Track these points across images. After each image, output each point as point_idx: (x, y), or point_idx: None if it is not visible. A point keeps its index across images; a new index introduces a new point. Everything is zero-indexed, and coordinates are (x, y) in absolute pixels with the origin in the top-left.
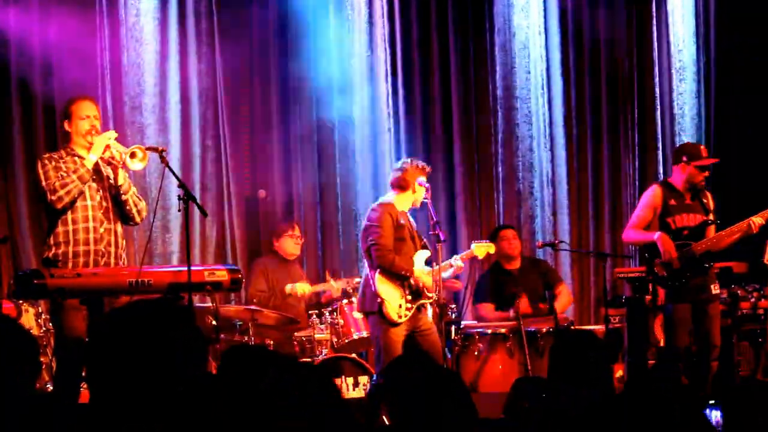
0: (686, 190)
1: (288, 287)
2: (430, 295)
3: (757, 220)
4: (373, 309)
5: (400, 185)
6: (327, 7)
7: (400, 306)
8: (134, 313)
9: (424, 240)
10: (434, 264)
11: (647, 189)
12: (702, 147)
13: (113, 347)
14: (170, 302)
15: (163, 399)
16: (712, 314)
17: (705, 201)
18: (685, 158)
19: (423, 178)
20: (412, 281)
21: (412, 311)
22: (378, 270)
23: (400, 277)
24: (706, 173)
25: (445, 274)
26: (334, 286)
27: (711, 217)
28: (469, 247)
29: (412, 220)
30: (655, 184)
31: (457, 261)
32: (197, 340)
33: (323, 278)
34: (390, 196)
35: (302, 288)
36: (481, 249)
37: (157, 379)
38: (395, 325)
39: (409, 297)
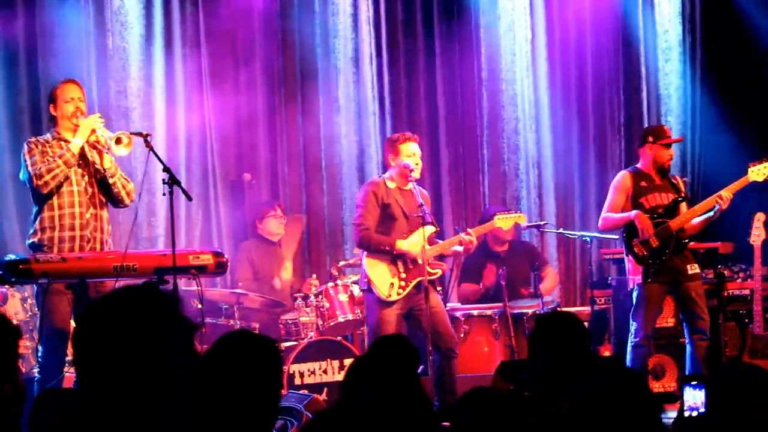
0: (655, 172)
1: (276, 282)
2: (432, 271)
3: (725, 194)
4: (363, 287)
5: (385, 164)
6: None
7: (392, 285)
8: (122, 299)
9: (430, 218)
10: (430, 242)
11: (617, 175)
12: (665, 127)
13: (101, 334)
14: (157, 288)
15: (152, 384)
16: (693, 295)
17: (674, 182)
18: (651, 138)
19: (406, 145)
20: (407, 258)
21: (408, 289)
22: (359, 248)
23: (388, 254)
24: (672, 152)
25: (456, 248)
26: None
27: (682, 195)
28: (460, 230)
29: (420, 197)
30: (623, 170)
31: (468, 237)
32: (184, 326)
33: (310, 263)
34: (384, 174)
35: (286, 272)
36: (506, 221)
37: (145, 364)
38: (388, 304)
39: (404, 275)
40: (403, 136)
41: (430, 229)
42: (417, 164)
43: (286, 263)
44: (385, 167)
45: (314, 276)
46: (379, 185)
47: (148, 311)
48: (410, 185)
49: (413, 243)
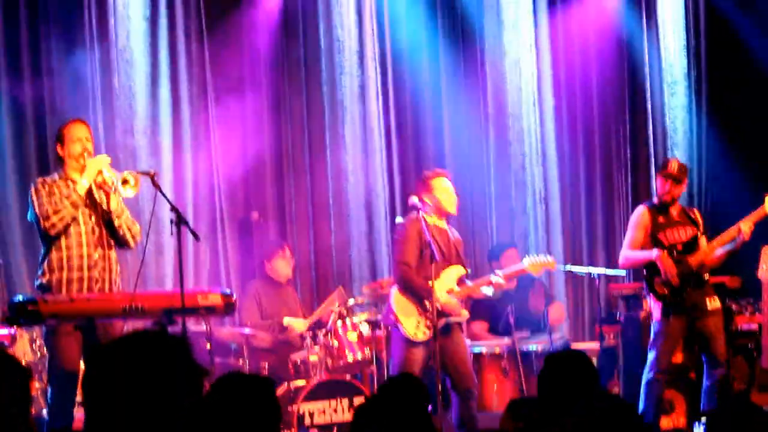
0: (671, 205)
1: (286, 321)
2: (454, 318)
3: (744, 225)
4: (388, 323)
5: (420, 202)
6: (318, 25)
7: (418, 324)
8: (132, 344)
9: (463, 258)
10: (458, 283)
11: (634, 211)
12: (671, 161)
13: (111, 378)
14: (166, 333)
15: (160, 429)
16: (714, 330)
17: (693, 216)
18: (660, 170)
19: (439, 180)
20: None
21: (434, 329)
22: (398, 285)
23: (423, 298)
24: (666, 186)
25: (486, 291)
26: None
27: (701, 229)
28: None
29: (453, 236)
30: (641, 205)
31: (498, 278)
32: (193, 372)
33: (318, 301)
34: (421, 213)
35: (299, 326)
36: (537, 266)
37: (154, 409)
38: (414, 344)
39: (430, 316)
40: (435, 173)
41: (460, 271)
42: (452, 199)
43: (303, 321)
44: (399, 210)
45: (337, 291)
46: (419, 222)
47: (157, 357)
48: (444, 223)
49: (447, 299)
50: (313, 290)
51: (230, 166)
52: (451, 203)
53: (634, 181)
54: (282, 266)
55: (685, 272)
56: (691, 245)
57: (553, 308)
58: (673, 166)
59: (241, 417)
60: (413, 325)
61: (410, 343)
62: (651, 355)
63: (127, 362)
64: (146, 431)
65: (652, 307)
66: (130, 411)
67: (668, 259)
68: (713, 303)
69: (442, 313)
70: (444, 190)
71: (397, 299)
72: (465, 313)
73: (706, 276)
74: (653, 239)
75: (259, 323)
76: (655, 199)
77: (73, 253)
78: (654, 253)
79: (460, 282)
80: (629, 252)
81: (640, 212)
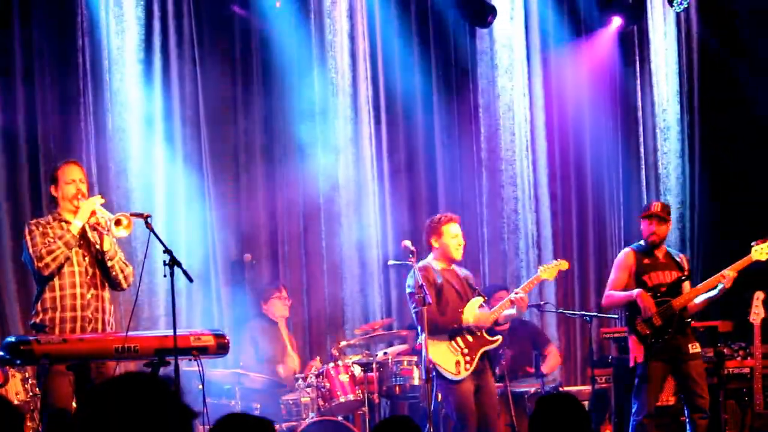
0: (658, 246)
1: (281, 369)
2: (492, 339)
3: (728, 273)
4: (430, 371)
5: (428, 245)
6: (311, 70)
7: (458, 363)
8: (122, 386)
9: (477, 289)
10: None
11: (620, 252)
12: (654, 203)
13: (100, 420)
14: (157, 376)
15: None
16: (694, 374)
17: (678, 260)
18: (640, 216)
19: (449, 227)
20: (464, 333)
21: (476, 363)
22: (426, 333)
23: (450, 332)
24: (652, 228)
25: (508, 312)
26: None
27: (685, 273)
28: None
29: (462, 272)
30: (627, 247)
31: (517, 294)
32: (183, 414)
33: (309, 348)
34: (428, 257)
35: (293, 362)
36: (551, 270)
37: None
38: (458, 381)
39: (466, 350)
40: (446, 217)
41: (479, 301)
42: (459, 245)
43: (294, 356)
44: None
45: (318, 359)
46: (428, 269)
47: (146, 399)
48: (452, 265)
49: (476, 314)
50: (305, 332)
51: (223, 208)
52: (458, 250)
53: (627, 226)
54: (278, 307)
55: (667, 314)
56: (675, 288)
57: (549, 354)
58: (656, 206)
59: None
60: (453, 365)
61: (456, 382)
62: (636, 402)
63: (116, 404)
64: None
65: (634, 350)
66: None
67: (648, 297)
68: (695, 348)
69: (478, 343)
70: (453, 236)
71: (430, 345)
72: (500, 337)
73: (689, 320)
74: (637, 281)
75: (254, 365)
76: (642, 242)
77: (66, 293)
78: (634, 292)
79: (482, 309)
80: (612, 292)
81: (626, 253)
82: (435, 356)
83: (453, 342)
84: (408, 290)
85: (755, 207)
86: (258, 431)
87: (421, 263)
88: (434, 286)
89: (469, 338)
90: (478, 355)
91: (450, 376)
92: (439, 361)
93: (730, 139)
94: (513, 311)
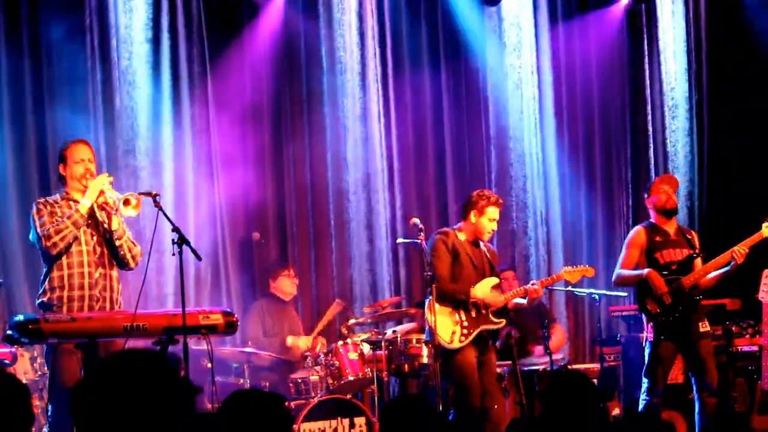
0: (667, 223)
1: (289, 340)
2: (495, 320)
3: (739, 250)
4: (428, 338)
5: (461, 214)
6: (320, 47)
7: (454, 332)
8: (122, 363)
9: (497, 270)
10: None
11: (631, 230)
12: (656, 178)
13: (98, 399)
14: (156, 351)
15: None
16: (703, 353)
17: (689, 237)
18: (645, 195)
19: (491, 209)
20: (471, 305)
21: (471, 338)
22: (435, 298)
23: (456, 302)
24: (665, 189)
25: (518, 300)
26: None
27: (697, 250)
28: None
29: (487, 250)
30: (638, 226)
31: (534, 285)
32: (184, 389)
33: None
34: (457, 225)
35: (303, 344)
36: (574, 274)
37: (145, 426)
38: (456, 350)
39: (466, 323)
40: (493, 199)
41: (494, 281)
42: (493, 230)
43: (306, 338)
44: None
45: (323, 340)
46: (448, 235)
47: (148, 374)
48: (481, 244)
49: (486, 291)
50: (313, 310)
51: (231, 186)
52: (488, 232)
53: (635, 203)
54: (287, 285)
55: (678, 292)
56: (686, 266)
57: (554, 332)
58: (660, 177)
59: None
60: (448, 333)
61: (456, 352)
62: (646, 381)
63: (117, 379)
64: None
65: (645, 329)
66: (116, 427)
67: (659, 276)
68: (704, 326)
69: (480, 320)
70: (492, 220)
71: (433, 310)
72: (503, 321)
73: (699, 297)
74: (649, 258)
75: (262, 340)
76: (652, 220)
77: (74, 272)
78: (645, 271)
79: (495, 290)
80: (622, 270)
81: (637, 231)
82: (435, 321)
83: (456, 312)
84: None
85: (765, 184)
86: (270, 406)
87: (446, 229)
88: (451, 253)
89: (473, 314)
90: (476, 331)
91: (443, 343)
92: (437, 326)
93: (738, 116)
94: (524, 300)
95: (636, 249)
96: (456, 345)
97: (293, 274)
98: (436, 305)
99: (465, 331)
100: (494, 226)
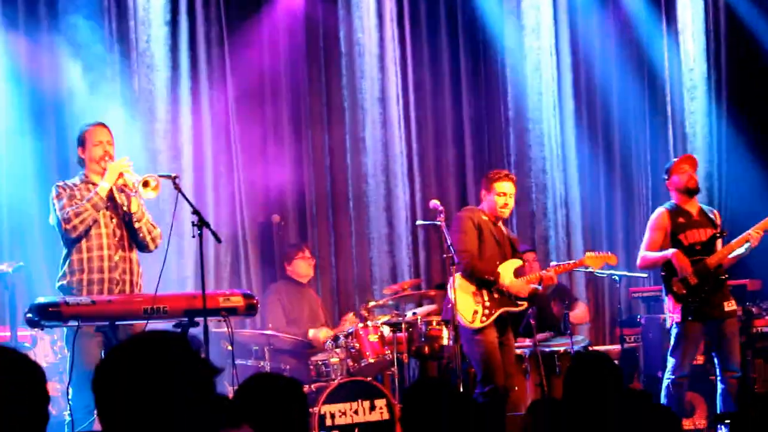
0: (689, 203)
1: (311, 333)
2: (519, 302)
3: (754, 233)
4: (447, 317)
5: (481, 197)
6: (338, 31)
7: (476, 312)
8: (142, 344)
9: (519, 252)
10: (515, 275)
11: (654, 212)
12: (675, 159)
13: (120, 380)
14: (175, 333)
15: (172, 428)
16: (728, 332)
17: (712, 216)
18: (665, 176)
19: (498, 184)
20: (493, 288)
21: (492, 318)
22: (460, 273)
23: (481, 282)
24: (686, 169)
25: (534, 286)
26: (353, 321)
27: (719, 230)
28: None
29: (509, 233)
30: (661, 207)
31: (548, 272)
32: (204, 370)
33: (339, 309)
34: (479, 207)
35: (326, 335)
36: (596, 260)
37: (165, 408)
38: (478, 331)
39: (488, 303)
40: (498, 174)
41: (516, 263)
42: (506, 204)
43: (327, 330)
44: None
45: (352, 314)
46: (474, 211)
47: (168, 355)
48: (500, 224)
49: (512, 278)
50: (333, 293)
51: (250, 169)
52: (502, 209)
53: (654, 185)
54: (302, 267)
55: (702, 272)
56: (710, 246)
57: (576, 308)
58: (680, 158)
59: (269, 416)
60: (470, 313)
61: (478, 332)
62: (672, 361)
63: (137, 360)
64: (154, 427)
65: (671, 309)
66: (137, 407)
67: (684, 257)
68: (730, 305)
69: (504, 301)
70: (499, 194)
71: (458, 286)
72: (525, 304)
73: (725, 277)
74: (673, 240)
75: (284, 328)
76: (673, 202)
77: (93, 255)
78: (670, 252)
79: (517, 274)
80: (647, 253)
81: (660, 213)
82: (457, 298)
83: (480, 293)
84: (452, 230)
85: None
86: (285, 390)
87: (471, 207)
88: (477, 229)
89: (495, 295)
90: (497, 313)
91: (463, 322)
92: (459, 303)
93: (758, 97)
94: (539, 287)
95: (660, 231)
96: (477, 325)
97: (309, 255)
98: (459, 283)
99: (487, 311)
100: (506, 200)
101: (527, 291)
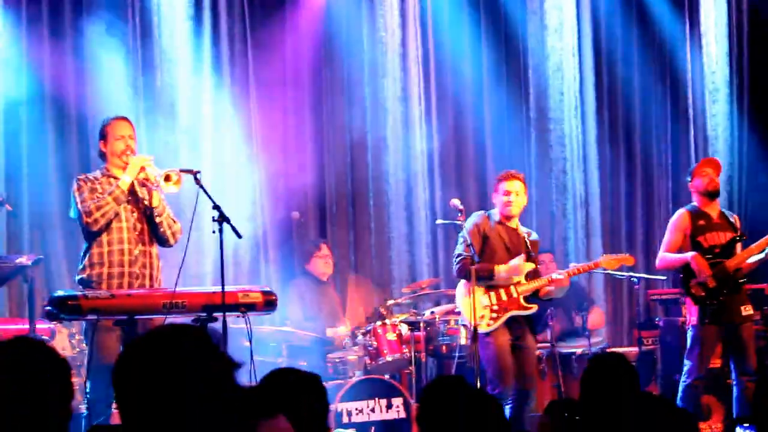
0: (710, 206)
1: (329, 332)
2: (526, 305)
3: None
4: (463, 322)
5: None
6: (360, 29)
7: (483, 316)
8: (162, 337)
9: (534, 255)
10: (527, 278)
11: (674, 214)
12: (698, 162)
13: (135, 374)
14: (195, 327)
15: (192, 421)
16: (745, 336)
17: (732, 220)
18: (689, 178)
19: (504, 184)
20: (500, 289)
21: (500, 322)
22: (461, 280)
23: (488, 279)
24: (707, 172)
25: (548, 289)
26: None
27: (739, 233)
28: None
29: (528, 235)
30: (682, 209)
31: (560, 275)
32: (224, 364)
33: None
34: (492, 210)
35: (343, 331)
36: (613, 262)
37: (185, 401)
38: (488, 333)
39: (495, 307)
40: (504, 175)
41: (529, 266)
42: (510, 202)
43: (347, 321)
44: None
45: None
46: (482, 217)
47: (189, 348)
48: (515, 224)
49: (512, 268)
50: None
51: (272, 166)
52: (508, 207)
53: (675, 187)
54: (320, 266)
55: (721, 275)
56: (729, 249)
57: (592, 313)
58: (703, 160)
59: (290, 410)
60: (478, 316)
61: (488, 335)
62: (688, 363)
63: (158, 353)
64: (179, 422)
65: (689, 311)
66: (160, 403)
67: (703, 260)
68: (747, 310)
69: (509, 307)
70: (504, 193)
71: (460, 292)
72: (535, 306)
73: (743, 281)
74: (693, 242)
75: (303, 324)
76: (695, 203)
77: (114, 249)
78: (689, 255)
79: (529, 277)
80: (666, 254)
81: (680, 215)
82: (463, 302)
83: (486, 295)
84: (460, 238)
85: None
86: (306, 384)
87: (482, 211)
88: (480, 235)
89: (503, 297)
90: (505, 316)
91: (470, 326)
92: (464, 309)
93: None
94: (552, 288)
95: (680, 233)
96: (484, 329)
97: (327, 252)
98: (466, 287)
99: (494, 315)
100: (510, 198)
101: (522, 272)
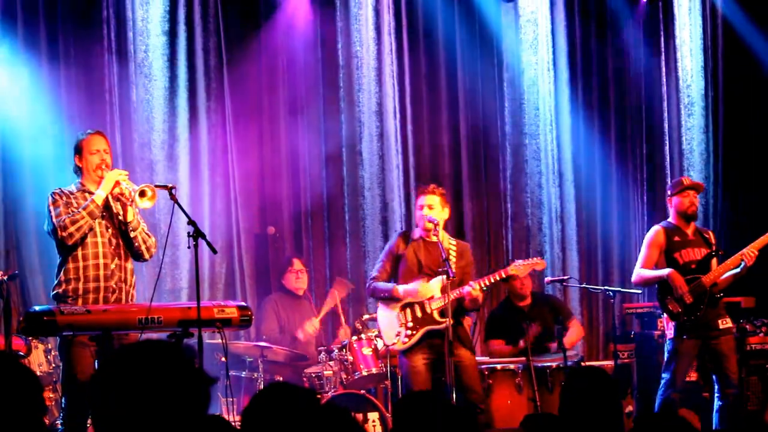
0: (685, 225)
1: (300, 334)
2: (440, 320)
3: (748, 252)
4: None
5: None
6: (336, 44)
7: (398, 333)
8: (137, 353)
9: (449, 270)
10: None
11: (650, 230)
12: (683, 178)
13: (112, 390)
14: (170, 343)
15: None
16: (725, 349)
17: (706, 236)
18: (669, 192)
19: (419, 199)
20: (415, 307)
21: (416, 338)
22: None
23: (394, 300)
24: (691, 198)
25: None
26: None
27: (714, 249)
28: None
29: (449, 248)
30: (657, 225)
31: (470, 288)
32: (199, 380)
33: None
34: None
35: (312, 326)
36: (523, 268)
37: (160, 416)
38: (411, 352)
39: (411, 323)
40: (420, 188)
41: (431, 287)
42: (421, 216)
43: (314, 319)
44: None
45: (348, 329)
46: (398, 238)
47: (164, 363)
48: (441, 237)
49: (412, 288)
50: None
51: (247, 181)
52: (422, 221)
53: (650, 201)
54: (292, 280)
55: (698, 291)
56: (705, 265)
57: (571, 329)
58: (688, 180)
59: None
60: (393, 334)
61: (407, 353)
62: (665, 376)
63: (133, 368)
64: None
65: (666, 325)
66: (136, 418)
67: (680, 276)
68: (726, 323)
69: (424, 323)
70: (419, 208)
71: (379, 311)
72: (447, 321)
73: (720, 295)
74: (668, 258)
75: (277, 337)
76: (670, 219)
77: (89, 264)
78: (666, 272)
79: (444, 292)
80: (642, 270)
81: (656, 231)
82: (380, 321)
83: (401, 312)
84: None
85: None
86: (304, 400)
87: (401, 230)
88: (393, 257)
89: (418, 314)
90: (421, 332)
91: (388, 342)
92: (382, 326)
93: (755, 115)
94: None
95: (656, 249)
96: (399, 347)
97: (299, 267)
98: (382, 306)
99: (409, 332)
100: (425, 212)
101: (427, 295)
